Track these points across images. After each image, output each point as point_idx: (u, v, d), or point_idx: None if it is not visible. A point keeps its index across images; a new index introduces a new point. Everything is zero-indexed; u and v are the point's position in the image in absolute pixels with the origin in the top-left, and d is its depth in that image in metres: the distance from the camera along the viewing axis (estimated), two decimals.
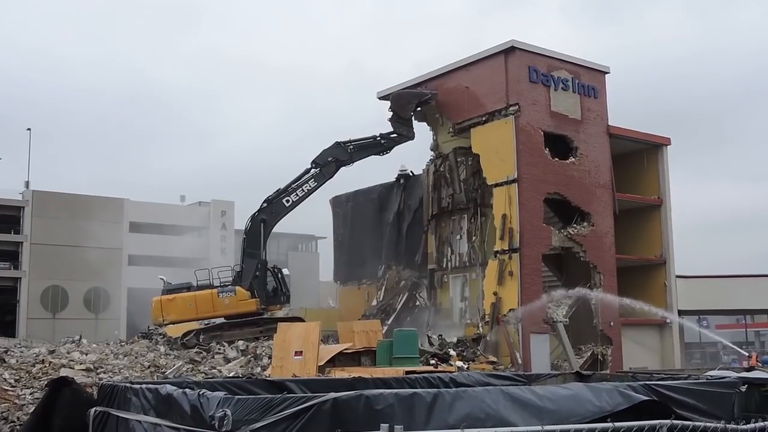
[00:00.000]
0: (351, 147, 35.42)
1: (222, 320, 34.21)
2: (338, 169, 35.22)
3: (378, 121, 45.21)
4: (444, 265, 37.88)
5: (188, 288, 34.73)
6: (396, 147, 37.38)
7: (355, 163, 36.08)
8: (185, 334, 32.69)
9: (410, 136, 37.47)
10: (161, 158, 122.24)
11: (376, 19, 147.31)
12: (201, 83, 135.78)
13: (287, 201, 34.34)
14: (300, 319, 33.60)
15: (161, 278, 36.40)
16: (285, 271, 36.52)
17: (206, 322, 34.22)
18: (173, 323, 34.34)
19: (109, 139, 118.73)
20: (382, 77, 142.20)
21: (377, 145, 36.32)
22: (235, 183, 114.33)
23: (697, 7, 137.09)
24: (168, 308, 33.99)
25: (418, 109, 38.03)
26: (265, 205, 34.48)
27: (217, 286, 34.32)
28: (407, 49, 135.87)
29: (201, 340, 32.01)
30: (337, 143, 35.26)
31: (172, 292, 34.63)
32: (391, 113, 37.22)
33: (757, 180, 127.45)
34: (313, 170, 34.81)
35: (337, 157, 35.00)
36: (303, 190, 34.38)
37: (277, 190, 34.50)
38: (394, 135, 36.67)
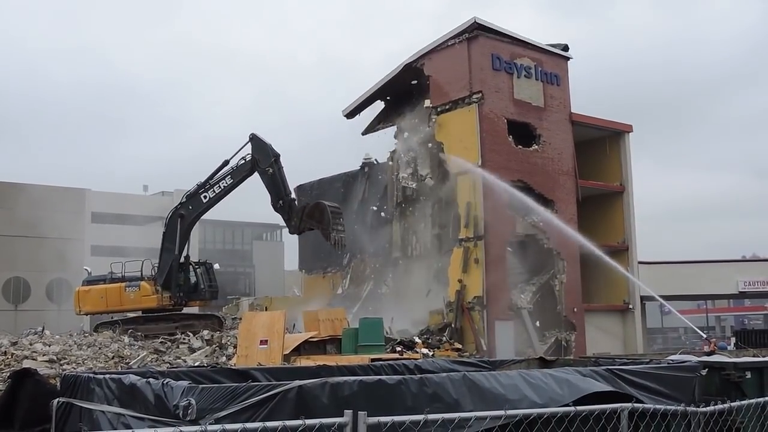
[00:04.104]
0: (273, 170, 31.14)
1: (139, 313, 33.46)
2: (253, 171, 31.59)
3: (342, 118, 44.11)
4: (409, 253, 37.96)
5: (104, 280, 34.16)
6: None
7: (262, 176, 31.84)
8: (97, 327, 32.65)
9: (290, 228, 31.94)
10: (128, 149, 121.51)
11: (348, 12, 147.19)
12: (171, 74, 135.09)
13: (205, 197, 32.42)
14: (216, 317, 33.32)
15: (86, 269, 36.07)
16: (216, 266, 35.44)
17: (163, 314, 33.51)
18: (87, 314, 35.04)
19: (74, 131, 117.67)
20: (353, 69, 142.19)
21: (277, 197, 31.30)
22: (201, 172, 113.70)
23: None
24: (84, 299, 33.95)
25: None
26: (184, 200, 33.12)
27: (126, 279, 33.57)
28: (378, 43, 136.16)
29: (116, 333, 31.00)
30: (278, 157, 31.32)
31: (92, 283, 34.38)
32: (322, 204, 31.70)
33: (716, 170, 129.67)
34: (230, 166, 31.95)
35: (260, 161, 31.26)
36: (220, 187, 32.14)
37: (196, 185, 32.66)
38: (288, 213, 31.32)
